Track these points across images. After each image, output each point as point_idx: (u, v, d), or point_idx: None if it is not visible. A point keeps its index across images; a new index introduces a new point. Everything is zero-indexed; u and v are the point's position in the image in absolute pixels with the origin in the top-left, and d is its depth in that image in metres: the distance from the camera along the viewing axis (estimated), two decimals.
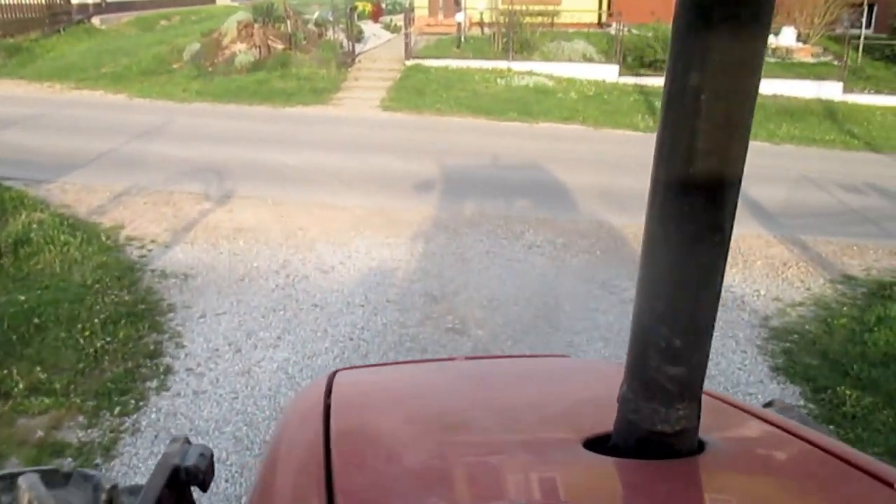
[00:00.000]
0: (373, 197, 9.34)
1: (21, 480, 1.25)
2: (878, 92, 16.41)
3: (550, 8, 20.82)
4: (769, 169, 11.27)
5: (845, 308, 6.39)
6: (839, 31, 19.80)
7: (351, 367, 1.68)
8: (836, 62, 18.30)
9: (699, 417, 1.06)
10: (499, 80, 17.06)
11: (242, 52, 18.08)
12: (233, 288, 6.44)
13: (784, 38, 19.31)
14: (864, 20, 20.41)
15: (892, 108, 15.89)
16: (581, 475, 1.08)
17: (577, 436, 1.13)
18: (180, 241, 7.61)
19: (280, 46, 18.52)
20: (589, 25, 21.24)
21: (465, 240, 7.87)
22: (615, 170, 11.10)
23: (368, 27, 25.44)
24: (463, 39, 19.71)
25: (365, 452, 1.19)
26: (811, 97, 16.25)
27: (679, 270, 1.00)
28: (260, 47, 18.33)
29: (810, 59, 18.81)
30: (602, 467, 1.07)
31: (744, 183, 1.02)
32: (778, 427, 1.24)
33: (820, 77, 16.86)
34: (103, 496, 1.28)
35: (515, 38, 18.25)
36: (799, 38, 19.55)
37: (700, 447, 1.09)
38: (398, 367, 2.15)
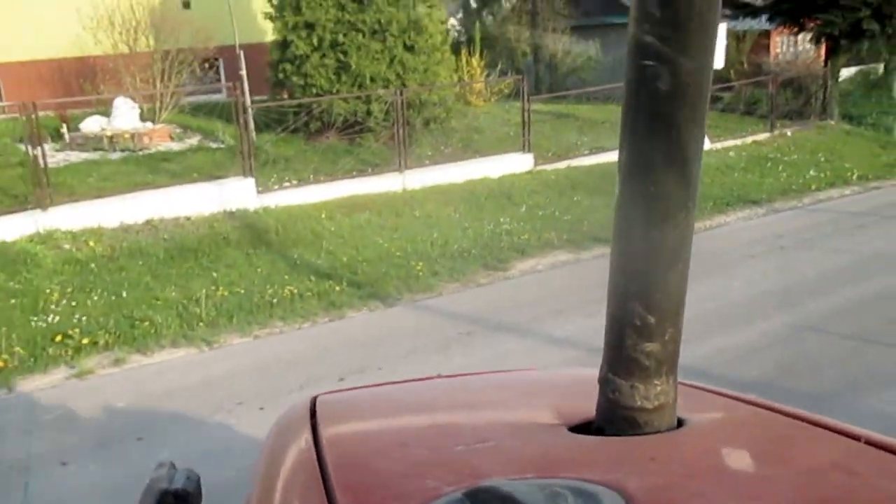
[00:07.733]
0: None
1: None
2: (300, 183, 10.42)
3: None
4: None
5: None
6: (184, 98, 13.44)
7: (331, 392, 1.56)
8: (212, 144, 11.90)
9: (676, 393, 1.06)
10: None
11: None
12: None
13: (121, 118, 11.87)
14: (222, 78, 14.62)
15: (328, 204, 10.04)
16: (568, 453, 1.06)
17: (563, 423, 1.14)
18: None
19: None
20: None
21: None
22: None
23: None
24: None
25: (358, 456, 1.16)
26: (215, 211, 9.30)
27: (649, 249, 1.00)
28: None
29: (175, 146, 11.94)
30: (588, 445, 1.07)
31: None
32: (750, 403, 1.24)
33: (216, 175, 9.98)
34: None
35: None
36: (143, 119, 12.41)
37: (679, 424, 1.08)
38: (379, 388, 1.90)
